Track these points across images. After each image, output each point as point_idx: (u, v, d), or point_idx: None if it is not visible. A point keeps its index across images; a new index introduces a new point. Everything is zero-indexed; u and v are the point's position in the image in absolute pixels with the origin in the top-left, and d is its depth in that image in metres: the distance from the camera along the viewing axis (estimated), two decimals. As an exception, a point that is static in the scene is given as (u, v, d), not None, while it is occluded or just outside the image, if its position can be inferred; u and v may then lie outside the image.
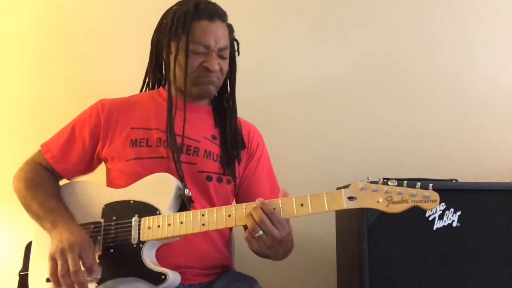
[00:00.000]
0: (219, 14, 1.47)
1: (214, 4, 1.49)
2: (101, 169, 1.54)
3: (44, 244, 1.40)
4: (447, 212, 1.63)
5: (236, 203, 1.52)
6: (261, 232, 1.20)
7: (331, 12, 2.24)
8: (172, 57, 1.46)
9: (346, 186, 1.76)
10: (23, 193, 1.42)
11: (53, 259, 1.27)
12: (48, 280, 1.34)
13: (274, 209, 1.23)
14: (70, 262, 1.24)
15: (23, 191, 1.43)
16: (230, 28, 1.53)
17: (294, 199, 1.24)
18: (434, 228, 1.63)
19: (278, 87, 2.19)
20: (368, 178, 1.23)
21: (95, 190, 1.44)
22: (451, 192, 1.65)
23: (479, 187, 1.68)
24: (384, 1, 2.24)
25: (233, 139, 1.51)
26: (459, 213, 1.64)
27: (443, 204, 1.64)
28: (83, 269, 1.25)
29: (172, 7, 1.50)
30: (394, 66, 2.20)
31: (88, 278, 1.25)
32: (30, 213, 1.41)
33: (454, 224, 1.64)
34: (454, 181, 1.78)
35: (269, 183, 1.58)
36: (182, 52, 1.43)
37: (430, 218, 1.63)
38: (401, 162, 2.12)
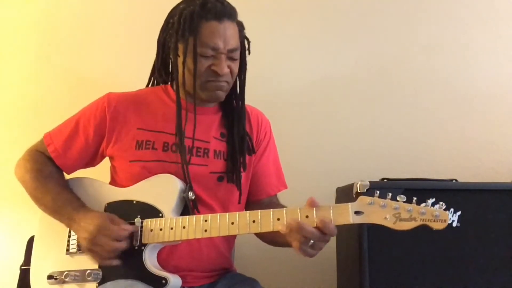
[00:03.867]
0: (228, 13, 1.38)
1: (223, 1, 1.40)
2: (105, 166, 1.53)
3: (47, 238, 1.42)
4: (447, 212, 1.63)
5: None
6: (312, 241, 1.19)
7: (331, 12, 2.24)
8: (180, 59, 1.38)
9: (346, 186, 1.77)
10: (33, 185, 1.40)
11: (90, 252, 1.29)
12: (49, 278, 1.35)
13: (307, 216, 1.20)
14: (104, 246, 1.26)
15: (32, 183, 1.40)
16: (241, 26, 1.45)
17: (299, 210, 1.21)
18: (434, 228, 1.63)
19: (278, 88, 2.19)
20: (376, 192, 1.19)
21: (98, 188, 1.42)
22: (451, 192, 1.66)
23: (479, 187, 1.68)
24: (384, 1, 2.24)
25: (240, 144, 1.45)
26: (459, 213, 1.64)
27: (443, 204, 1.63)
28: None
29: (178, 5, 1.43)
30: (394, 66, 2.20)
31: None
32: (41, 205, 1.39)
33: (454, 224, 1.63)
34: (454, 181, 1.78)
35: (274, 169, 1.56)
36: (190, 55, 1.35)
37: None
38: (401, 162, 2.12)
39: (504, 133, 2.14)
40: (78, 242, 1.36)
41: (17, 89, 2.17)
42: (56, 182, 1.41)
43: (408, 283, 1.61)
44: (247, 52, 1.49)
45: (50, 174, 1.43)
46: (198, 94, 1.41)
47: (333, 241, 1.94)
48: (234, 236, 1.53)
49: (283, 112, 2.17)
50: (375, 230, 1.60)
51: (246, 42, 1.48)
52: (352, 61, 2.20)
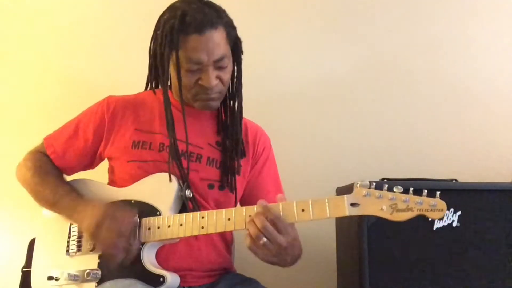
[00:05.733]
0: (209, 22, 1.31)
1: (203, 9, 1.33)
2: (102, 168, 1.54)
3: (48, 240, 1.43)
4: (447, 212, 1.63)
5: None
6: (265, 239, 1.16)
7: (331, 12, 2.24)
8: (169, 72, 1.38)
9: (346, 186, 1.77)
10: (33, 181, 1.41)
11: (94, 238, 1.27)
12: (49, 278, 1.36)
13: (303, 210, 1.19)
14: (106, 235, 1.24)
15: (32, 179, 1.41)
16: (228, 28, 1.38)
17: (295, 204, 1.21)
18: (434, 228, 1.63)
19: (278, 87, 2.19)
20: (372, 184, 1.18)
21: (96, 188, 1.43)
22: (451, 192, 1.65)
23: (479, 187, 1.68)
24: (384, 1, 2.24)
25: (234, 147, 1.45)
26: (459, 213, 1.64)
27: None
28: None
29: (163, 14, 1.39)
30: (394, 66, 2.20)
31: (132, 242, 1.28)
32: (41, 200, 1.40)
33: (454, 224, 1.64)
34: (454, 181, 1.78)
35: (273, 188, 1.54)
36: (177, 70, 1.34)
37: (430, 218, 1.62)
38: (401, 162, 2.12)
39: (504, 133, 2.14)
40: (79, 232, 1.37)
41: (17, 91, 2.17)
42: (55, 177, 1.43)
43: (408, 283, 1.61)
44: (241, 52, 1.45)
45: (51, 171, 1.45)
46: (192, 105, 1.41)
47: (333, 241, 1.95)
48: (231, 232, 1.54)
49: (283, 112, 2.17)
50: (375, 230, 1.61)
51: (239, 43, 1.44)
52: (351, 61, 2.20)
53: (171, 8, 1.38)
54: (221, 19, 1.36)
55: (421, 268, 1.61)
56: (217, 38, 1.33)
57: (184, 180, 1.36)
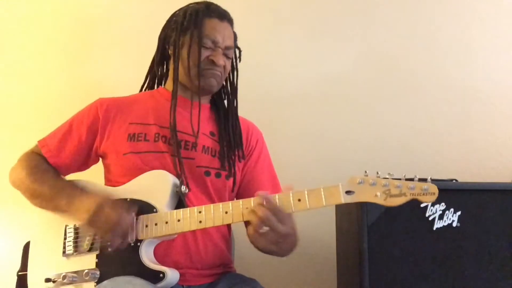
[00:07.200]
0: (228, 18, 1.55)
1: (223, 9, 1.56)
2: (99, 170, 1.54)
3: (43, 242, 1.42)
4: (447, 212, 1.63)
5: (237, 199, 1.51)
6: (266, 228, 1.19)
7: (331, 12, 2.24)
8: (179, 50, 1.49)
9: (346, 186, 1.77)
10: (30, 179, 1.41)
11: (92, 226, 1.28)
12: (47, 281, 1.35)
13: (299, 200, 1.22)
14: (104, 221, 1.26)
15: (28, 177, 1.41)
16: (235, 35, 1.59)
17: (291, 194, 1.23)
18: (434, 228, 1.63)
19: (278, 87, 2.19)
20: (365, 172, 1.21)
21: (92, 189, 1.42)
22: (451, 192, 1.65)
23: (479, 187, 1.68)
24: (384, 1, 2.24)
25: (233, 137, 1.53)
26: (459, 213, 1.64)
27: (443, 204, 1.63)
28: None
29: (182, 8, 1.57)
30: (394, 66, 2.20)
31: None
32: (38, 198, 1.40)
33: (454, 224, 1.64)
34: (454, 181, 1.78)
35: (270, 179, 1.58)
36: (192, 45, 1.47)
37: (430, 218, 1.63)
38: (401, 162, 2.12)
39: (504, 133, 2.14)
40: (75, 232, 1.37)
41: (17, 92, 2.18)
42: (53, 174, 1.45)
43: (408, 283, 1.61)
44: (238, 60, 1.62)
45: (47, 169, 1.46)
46: (194, 82, 1.48)
47: (333, 241, 1.95)
48: (229, 228, 1.56)
49: (283, 112, 2.17)
50: (375, 230, 1.61)
51: (237, 52, 1.61)
52: (351, 61, 2.20)
53: (192, 3, 1.56)
54: (233, 24, 1.57)
55: (421, 268, 1.61)
56: (230, 32, 1.55)
57: (181, 170, 1.39)
